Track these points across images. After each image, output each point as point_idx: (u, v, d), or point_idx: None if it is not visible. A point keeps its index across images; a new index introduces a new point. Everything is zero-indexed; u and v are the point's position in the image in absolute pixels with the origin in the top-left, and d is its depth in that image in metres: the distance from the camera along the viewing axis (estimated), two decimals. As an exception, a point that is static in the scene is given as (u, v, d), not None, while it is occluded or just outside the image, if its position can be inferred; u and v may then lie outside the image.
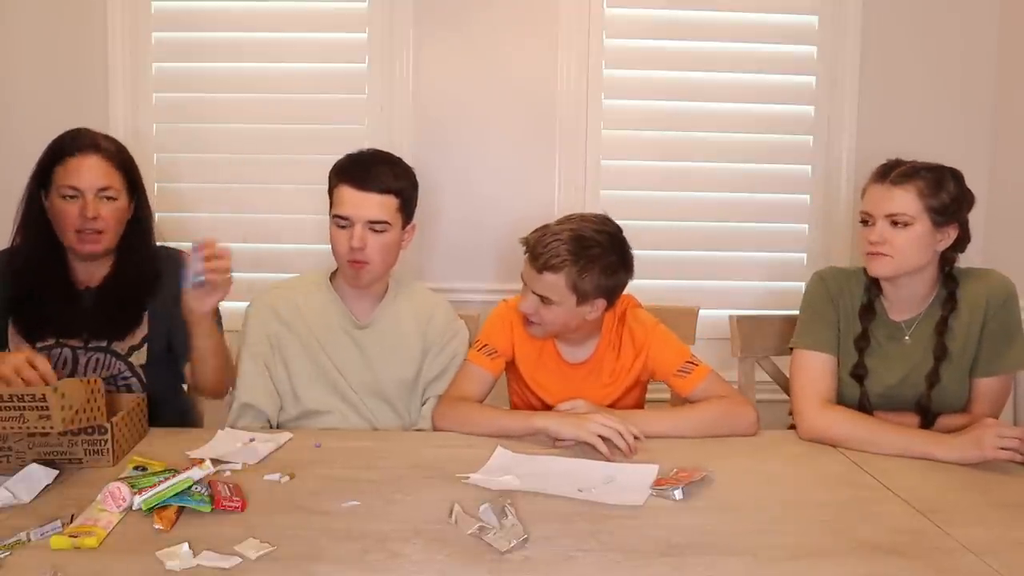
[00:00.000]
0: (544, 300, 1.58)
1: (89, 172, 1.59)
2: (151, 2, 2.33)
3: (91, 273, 1.66)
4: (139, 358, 1.66)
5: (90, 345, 1.63)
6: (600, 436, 1.44)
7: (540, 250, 1.55)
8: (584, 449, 1.47)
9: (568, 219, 1.61)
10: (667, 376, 1.69)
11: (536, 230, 1.61)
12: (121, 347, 1.64)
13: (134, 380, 1.65)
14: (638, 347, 1.70)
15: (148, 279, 1.67)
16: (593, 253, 1.55)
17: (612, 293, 1.62)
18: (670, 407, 1.86)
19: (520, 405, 1.80)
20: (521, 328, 1.70)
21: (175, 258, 1.70)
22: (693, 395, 1.66)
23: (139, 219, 1.69)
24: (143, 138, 2.34)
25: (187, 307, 1.54)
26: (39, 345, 1.60)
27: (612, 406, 1.70)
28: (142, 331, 1.66)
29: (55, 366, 1.58)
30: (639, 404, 1.78)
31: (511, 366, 1.76)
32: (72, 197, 1.57)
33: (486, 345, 1.71)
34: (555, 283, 1.55)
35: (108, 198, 1.60)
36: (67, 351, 1.62)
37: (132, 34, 2.32)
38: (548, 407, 1.68)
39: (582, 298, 1.58)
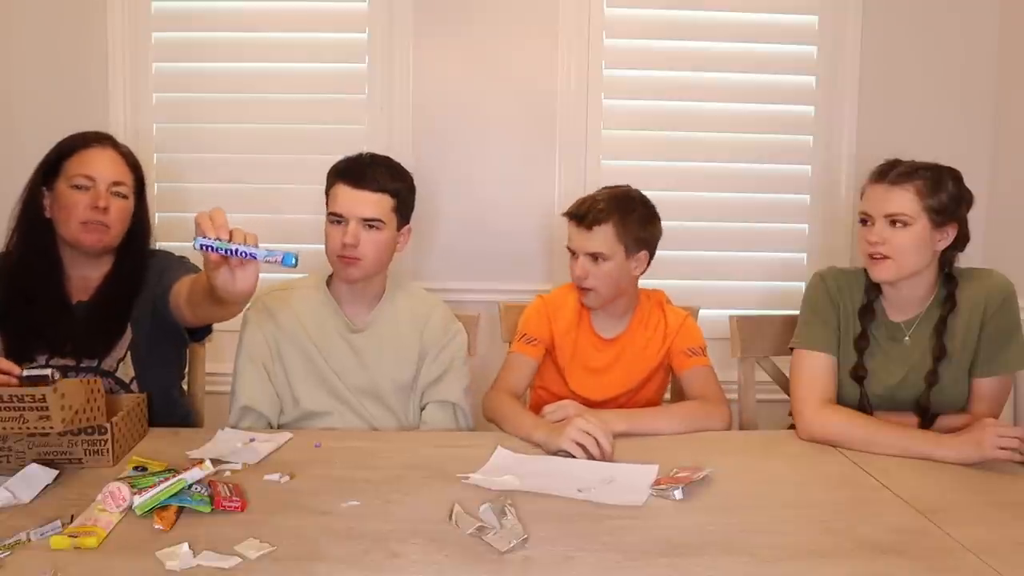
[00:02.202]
0: (595, 258, 1.70)
1: (105, 163, 1.57)
2: (151, 2, 2.33)
3: (86, 280, 1.62)
4: (126, 370, 1.62)
5: (81, 365, 1.58)
6: (576, 442, 1.44)
7: (584, 211, 1.71)
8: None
9: (598, 190, 1.77)
10: (677, 352, 1.79)
11: (574, 203, 1.75)
12: (110, 364, 1.60)
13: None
14: (671, 331, 1.80)
15: (139, 287, 1.63)
16: (631, 204, 1.73)
17: (651, 245, 1.77)
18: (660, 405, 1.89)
19: (543, 395, 1.86)
20: (559, 316, 1.81)
21: (163, 257, 1.69)
22: (685, 375, 1.78)
23: (139, 226, 1.66)
24: (143, 138, 2.34)
25: (220, 287, 1.26)
26: (28, 366, 1.51)
27: (638, 386, 1.80)
28: (126, 340, 1.62)
29: None
30: (662, 386, 1.87)
31: (547, 353, 1.83)
32: (84, 187, 1.55)
33: (526, 334, 1.80)
34: (605, 235, 1.69)
35: (119, 195, 1.58)
36: (58, 374, 1.53)
37: (132, 34, 2.33)
38: (572, 393, 1.78)
39: (628, 250, 1.71)
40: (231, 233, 1.20)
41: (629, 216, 1.70)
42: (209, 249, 1.19)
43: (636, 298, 1.83)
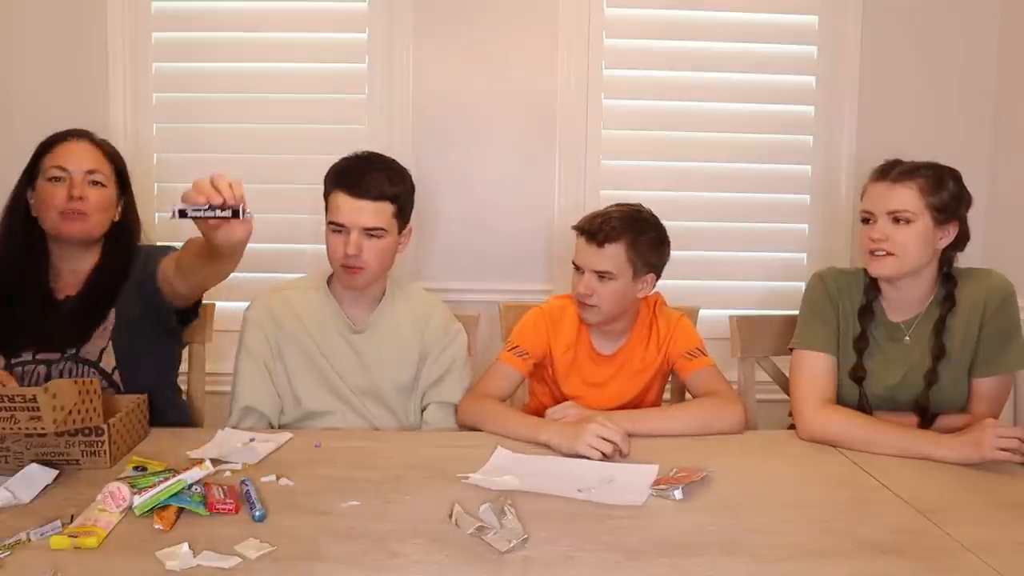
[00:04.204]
0: (602, 276, 1.67)
1: (77, 154, 1.60)
2: (151, 2, 2.33)
3: (75, 274, 1.62)
4: (108, 360, 1.60)
5: (66, 354, 1.57)
6: (595, 448, 1.43)
7: (596, 227, 1.67)
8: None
9: (609, 207, 1.74)
10: (676, 357, 1.77)
11: (584, 217, 1.73)
12: (91, 352, 1.58)
13: (111, 390, 1.58)
14: (663, 339, 1.78)
15: (126, 277, 1.64)
16: (644, 226, 1.70)
17: (659, 269, 1.75)
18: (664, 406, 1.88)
19: (541, 406, 1.82)
20: (559, 332, 1.77)
21: (148, 250, 1.68)
22: (690, 379, 1.75)
23: (127, 222, 1.67)
24: (143, 138, 2.34)
25: (223, 240, 1.29)
26: (14, 361, 1.55)
27: (637, 398, 1.78)
28: (108, 328, 1.61)
29: (30, 384, 1.54)
30: (659, 394, 1.85)
31: (537, 367, 1.80)
32: (59, 179, 1.57)
33: (518, 346, 1.76)
34: (615, 254, 1.66)
35: (96, 183, 1.59)
36: (42, 367, 1.56)
37: (132, 34, 2.32)
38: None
39: (636, 271, 1.69)
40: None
41: (641, 237, 1.68)
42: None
43: (637, 315, 1.79)
